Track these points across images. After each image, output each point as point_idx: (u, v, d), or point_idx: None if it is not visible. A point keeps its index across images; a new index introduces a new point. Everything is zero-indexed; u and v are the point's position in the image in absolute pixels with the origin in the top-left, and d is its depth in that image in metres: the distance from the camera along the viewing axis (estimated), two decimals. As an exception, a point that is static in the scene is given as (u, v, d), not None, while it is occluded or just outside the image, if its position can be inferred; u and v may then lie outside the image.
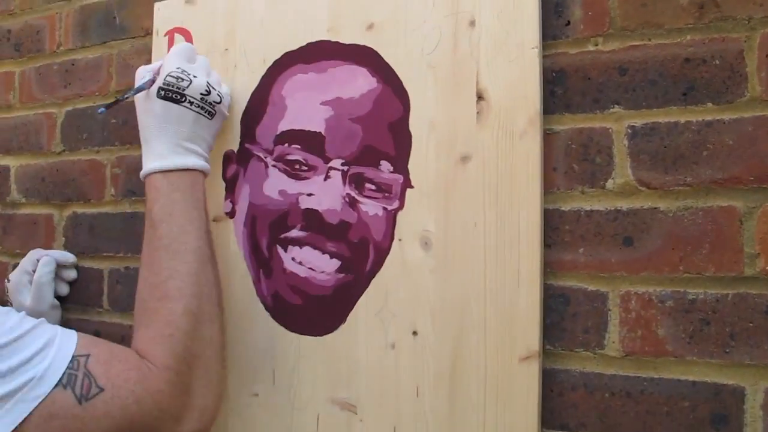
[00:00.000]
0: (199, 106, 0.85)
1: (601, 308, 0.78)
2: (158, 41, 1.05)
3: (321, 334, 0.88)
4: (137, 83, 0.87)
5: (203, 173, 0.87)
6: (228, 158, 0.97)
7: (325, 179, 0.88)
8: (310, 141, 0.90)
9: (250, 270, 0.94)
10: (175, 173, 0.83)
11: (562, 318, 0.79)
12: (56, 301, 1.08)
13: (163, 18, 1.05)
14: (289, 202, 0.91)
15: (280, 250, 0.91)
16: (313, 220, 0.89)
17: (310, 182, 0.90)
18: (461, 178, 0.81)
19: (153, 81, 0.86)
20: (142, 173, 0.85)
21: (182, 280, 0.79)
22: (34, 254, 1.09)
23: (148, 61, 1.06)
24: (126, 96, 0.89)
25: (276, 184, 0.92)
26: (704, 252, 0.74)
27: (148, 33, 1.08)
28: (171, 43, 1.03)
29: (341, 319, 0.87)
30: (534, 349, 0.77)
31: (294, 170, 0.91)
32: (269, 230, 0.92)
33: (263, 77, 0.95)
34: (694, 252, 0.75)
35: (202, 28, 1.01)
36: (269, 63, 0.95)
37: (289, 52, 0.94)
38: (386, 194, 0.85)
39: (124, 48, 1.13)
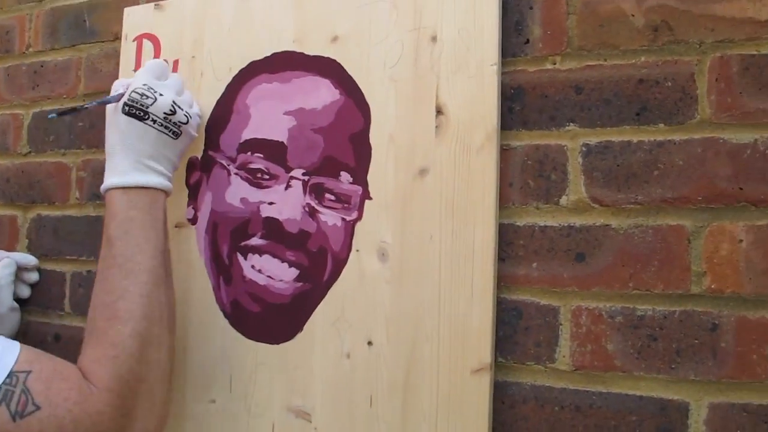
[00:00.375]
0: (162, 125, 0.84)
1: (553, 322, 0.79)
2: (127, 46, 1.05)
3: (278, 342, 0.89)
4: (111, 94, 0.87)
5: (164, 192, 0.85)
6: (191, 165, 0.97)
7: (286, 188, 0.89)
8: (273, 150, 0.91)
9: (211, 277, 0.94)
10: (135, 190, 0.82)
11: (515, 331, 0.80)
12: (15, 304, 1.08)
13: (132, 23, 1.05)
14: (250, 210, 0.91)
15: (240, 257, 0.92)
16: (273, 228, 0.90)
17: (272, 191, 0.90)
18: (419, 191, 0.82)
19: (120, 97, 0.85)
20: (102, 187, 0.84)
21: (133, 301, 0.78)
22: None
23: (116, 66, 1.06)
24: (86, 105, 0.89)
25: (238, 192, 0.93)
26: (653, 269, 0.76)
27: (118, 37, 1.08)
28: (139, 49, 1.03)
29: (299, 327, 0.88)
30: (486, 362, 0.78)
31: (256, 179, 0.92)
32: (230, 238, 0.93)
33: (228, 85, 0.96)
34: (644, 269, 0.76)
35: (170, 34, 1.01)
36: (235, 71, 0.96)
37: (254, 61, 0.95)
38: (345, 205, 0.86)
39: (93, 52, 1.13)
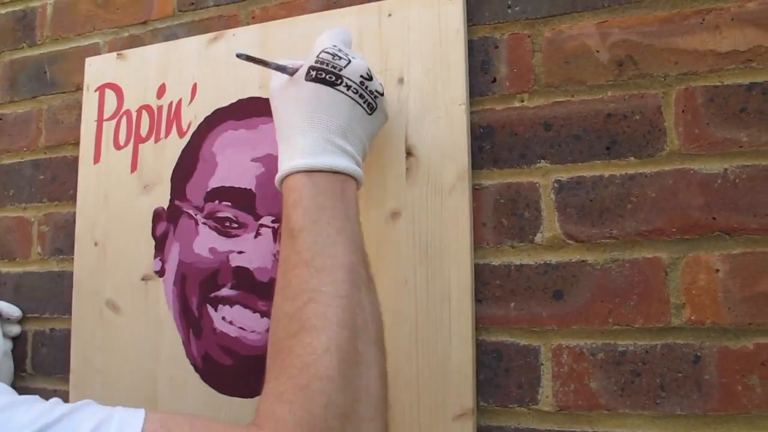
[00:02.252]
0: (357, 92, 0.68)
1: (534, 363, 0.77)
2: (89, 96, 1.03)
3: (253, 396, 0.86)
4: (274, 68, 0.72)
5: (356, 181, 0.68)
6: (158, 216, 0.95)
7: (255, 237, 0.87)
8: (241, 198, 0.89)
9: (180, 331, 0.91)
10: (322, 175, 0.65)
11: (495, 374, 0.79)
12: (8, 347, 1.02)
13: (94, 73, 1.04)
14: (219, 260, 0.89)
15: (210, 309, 0.89)
16: (243, 278, 0.87)
17: (241, 240, 0.88)
18: (392, 235, 0.81)
19: (296, 70, 0.70)
20: (278, 175, 0.68)
21: (327, 303, 0.58)
22: None
23: (78, 117, 1.04)
24: (269, 62, 0.72)
25: (206, 242, 0.90)
26: (632, 304, 0.75)
27: (79, 88, 1.06)
28: (102, 99, 1.01)
29: (273, 379, 0.85)
30: (468, 406, 0.76)
31: (224, 228, 0.89)
32: (199, 289, 0.90)
33: (194, 133, 0.94)
34: (623, 304, 0.75)
35: (134, 84, 1.00)
36: (200, 119, 0.94)
37: (219, 108, 0.93)
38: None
39: (54, 103, 1.11)
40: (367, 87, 0.69)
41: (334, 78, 0.67)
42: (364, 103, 0.69)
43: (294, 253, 0.62)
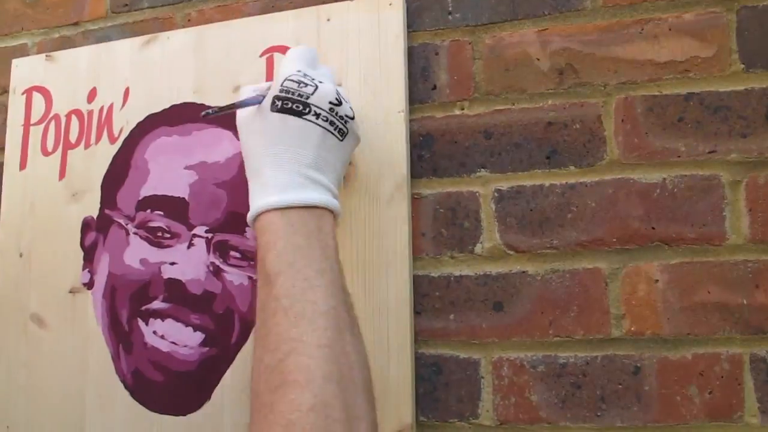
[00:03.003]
0: (327, 120, 0.64)
1: (474, 376, 0.76)
2: (15, 99, 0.98)
3: (184, 414, 0.82)
4: (242, 98, 0.68)
5: (332, 213, 0.65)
6: (87, 225, 0.90)
7: (188, 247, 0.84)
8: (174, 207, 0.85)
9: (109, 346, 0.87)
10: (296, 211, 0.61)
11: (435, 388, 0.77)
12: None
13: (21, 75, 0.99)
14: (151, 272, 0.85)
15: (141, 323, 0.85)
16: (176, 290, 0.83)
17: (173, 250, 0.84)
18: (329, 245, 0.78)
19: (263, 98, 0.67)
20: (250, 214, 0.64)
21: (309, 354, 0.54)
22: None
23: (4, 121, 0.99)
24: (233, 104, 0.68)
25: (137, 253, 0.86)
26: (573, 315, 0.74)
27: (5, 91, 1.01)
28: (29, 103, 0.97)
29: (206, 396, 0.81)
30: (407, 422, 0.74)
31: (156, 238, 0.86)
32: (129, 302, 0.86)
33: (125, 140, 0.90)
34: (563, 315, 0.74)
35: (63, 87, 0.95)
36: (132, 125, 0.90)
37: (152, 114, 0.89)
38: (252, 262, 0.81)
39: (-21, 107, 1.05)
40: (336, 113, 0.65)
41: (301, 107, 0.64)
42: (335, 129, 0.65)
43: (272, 299, 0.58)
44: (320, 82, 0.66)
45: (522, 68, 0.79)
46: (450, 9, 0.82)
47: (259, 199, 0.63)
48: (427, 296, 0.78)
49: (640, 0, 0.76)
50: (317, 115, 0.64)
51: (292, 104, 0.64)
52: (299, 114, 0.64)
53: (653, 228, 0.73)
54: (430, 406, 0.76)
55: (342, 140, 0.66)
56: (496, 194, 0.78)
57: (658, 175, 0.74)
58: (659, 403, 0.70)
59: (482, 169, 0.78)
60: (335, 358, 0.55)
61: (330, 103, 0.65)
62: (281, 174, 0.63)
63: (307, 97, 0.64)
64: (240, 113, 0.68)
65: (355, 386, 0.56)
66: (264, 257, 0.61)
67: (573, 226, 0.75)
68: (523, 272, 0.76)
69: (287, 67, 0.66)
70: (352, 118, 0.67)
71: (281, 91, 0.64)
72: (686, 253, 0.72)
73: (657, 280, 0.72)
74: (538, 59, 0.78)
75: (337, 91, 0.66)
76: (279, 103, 0.64)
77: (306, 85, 0.65)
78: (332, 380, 0.53)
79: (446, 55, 0.81)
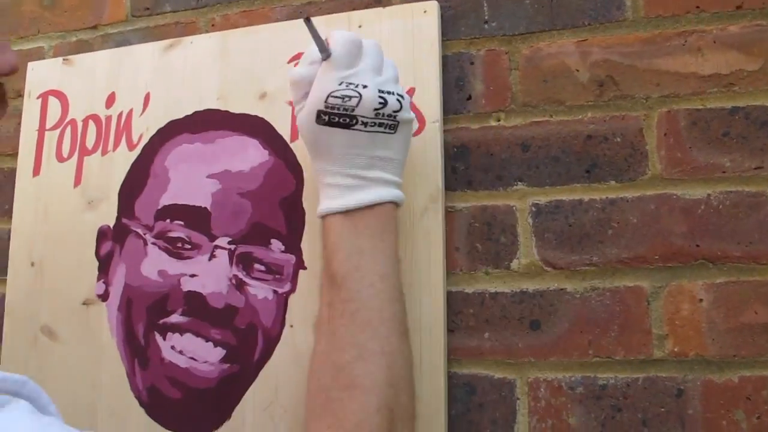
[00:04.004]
0: (374, 124, 0.65)
1: (509, 397, 0.73)
2: (30, 104, 0.95)
3: (203, 433, 0.79)
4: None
5: (395, 204, 0.67)
6: (103, 234, 0.87)
7: (209, 259, 0.80)
8: (195, 217, 0.82)
9: (124, 361, 0.83)
10: (359, 213, 0.64)
11: (468, 409, 0.73)
12: None
13: (37, 79, 0.96)
14: (169, 284, 0.82)
15: (158, 337, 0.81)
16: (195, 304, 0.80)
17: (194, 262, 0.81)
18: (359, 258, 0.75)
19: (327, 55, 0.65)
20: (318, 211, 0.67)
21: (375, 362, 0.60)
22: None
23: (18, 126, 0.96)
24: (318, 37, 0.65)
25: (155, 264, 0.83)
26: (613, 334, 0.71)
27: (20, 95, 0.98)
28: (45, 107, 0.94)
29: (226, 414, 0.78)
30: (439, 445, 0.71)
31: (176, 249, 0.82)
32: (146, 315, 0.82)
33: (145, 146, 0.87)
34: (603, 335, 0.71)
35: (80, 92, 0.93)
36: (153, 131, 0.88)
37: (174, 120, 0.87)
38: (277, 276, 0.78)
39: (-9, 111, 1.02)
40: (382, 113, 0.65)
41: (347, 120, 0.64)
42: (385, 127, 0.66)
43: (339, 301, 0.63)
44: (364, 86, 0.64)
45: (560, 79, 0.76)
46: (486, 17, 0.80)
47: (323, 202, 0.67)
48: (460, 313, 0.75)
49: (683, 12, 0.74)
50: (365, 124, 0.64)
51: (338, 118, 0.64)
52: (346, 126, 0.64)
53: (697, 245, 0.70)
54: (463, 428, 0.73)
55: (394, 133, 0.67)
56: (533, 208, 0.75)
57: (702, 190, 0.71)
58: (704, 428, 0.67)
59: (519, 183, 0.76)
60: (396, 365, 0.61)
61: (375, 109, 0.64)
62: (340, 179, 0.65)
63: (352, 110, 0.64)
64: (300, 114, 0.68)
65: (410, 389, 0.63)
66: (330, 258, 0.65)
67: (614, 243, 0.72)
68: (562, 290, 0.73)
69: (328, 78, 0.64)
70: (400, 109, 0.66)
71: (327, 106, 0.64)
72: (732, 271, 0.69)
73: (701, 300, 0.69)
74: (577, 70, 0.76)
75: (379, 92, 0.64)
76: (325, 118, 0.64)
77: (350, 98, 0.64)
78: (393, 385, 0.60)
79: (482, 64, 0.79)
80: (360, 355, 0.60)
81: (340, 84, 0.64)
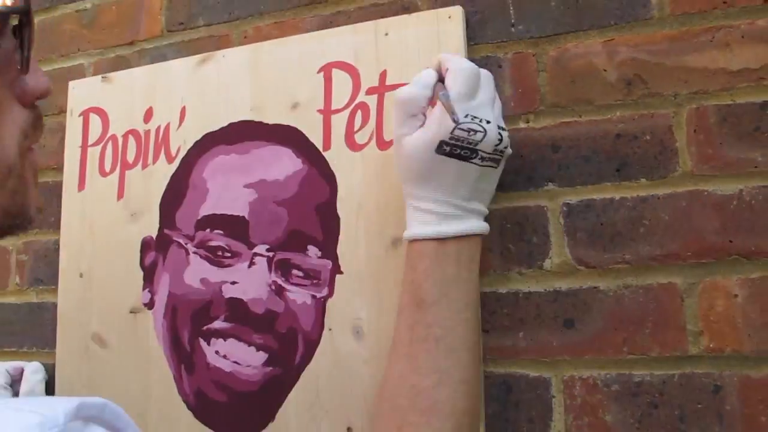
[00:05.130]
0: (490, 159, 0.67)
1: (545, 395, 0.74)
2: (72, 121, 0.99)
3: (248, 435, 0.81)
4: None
5: (482, 236, 0.70)
6: (146, 245, 0.91)
7: (249, 266, 0.83)
8: (234, 226, 0.85)
9: (171, 366, 0.86)
10: (453, 242, 0.66)
11: (504, 407, 0.75)
12: None
13: (78, 97, 1.00)
14: (211, 291, 0.85)
15: (202, 343, 0.84)
16: (237, 310, 0.83)
17: (234, 269, 0.84)
18: (393, 263, 0.77)
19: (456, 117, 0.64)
20: (407, 235, 0.69)
21: (455, 389, 0.63)
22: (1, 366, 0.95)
23: (62, 141, 1.00)
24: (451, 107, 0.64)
25: (198, 272, 0.86)
26: (647, 332, 0.71)
27: (62, 111, 1.02)
28: (86, 124, 0.97)
29: (270, 416, 0.80)
30: (477, 443, 0.72)
31: (216, 257, 0.85)
32: (191, 322, 0.85)
33: (183, 159, 0.90)
34: (638, 332, 0.72)
35: (119, 108, 0.96)
36: (190, 144, 0.90)
37: (210, 132, 0.89)
38: (315, 281, 0.80)
39: (35, 128, 1.06)
40: (497, 149, 0.67)
41: (468, 153, 0.66)
42: (494, 162, 0.68)
43: (424, 325, 0.64)
44: (488, 122, 0.66)
45: (588, 79, 0.77)
46: (513, 21, 0.81)
47: (417, 226, 0.68)
48: (494, 313, 0.76)
49: (709, 8, 0.74)
50: (482, 159, 0.67)
51: (460, 150, 0.65)
52: (465, 159, 0.66)
53: (730, 241, 0.70)
54: (500, 427, 0.75)
55: (497, 167, 0.70)
56: (564, 208, 0.76)
57: (734, 186, 0.71)
58: (743, 423, 0.68)
59: (550, 183, 0.77)
60: (473, 393, 0.65)
61: (495, 146, 0.67)
62: (439, 207, 0.67)
63: (476, 144, 0.65)
64: (411, 138, 0.67)
65: (477, 416, 0.67)
66: (420, 283, 0.66)
67: (646, 240, 0.73)
68: (595, 288, 0.74)
69: (459, 109, 0.64)
70: (507, 147, 0.69)
71: (451, 138, 0.65)
72: (767, 266, 0.69)
73: (736, 295, 0.69)
74: (605, 70, 0.76)
75: (498, 127, 0.67)
76: (447, 149, 0.65)
77: (475, 132, 0.65)
78: (468, 413, 0.63)
79: (509, 67, 0.80)
80: (441, 380, 0.62)
81: (466, 117, 0.65)
